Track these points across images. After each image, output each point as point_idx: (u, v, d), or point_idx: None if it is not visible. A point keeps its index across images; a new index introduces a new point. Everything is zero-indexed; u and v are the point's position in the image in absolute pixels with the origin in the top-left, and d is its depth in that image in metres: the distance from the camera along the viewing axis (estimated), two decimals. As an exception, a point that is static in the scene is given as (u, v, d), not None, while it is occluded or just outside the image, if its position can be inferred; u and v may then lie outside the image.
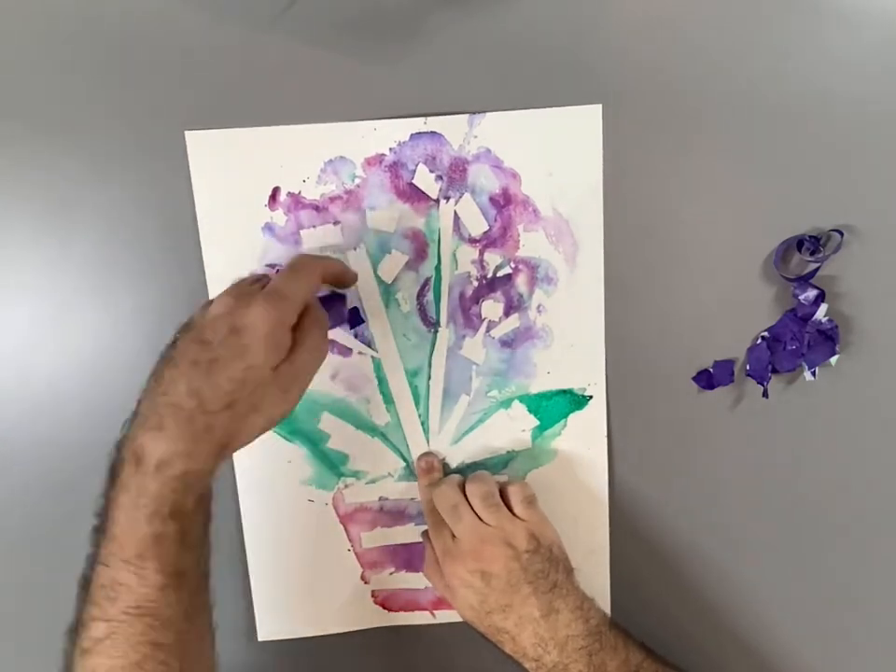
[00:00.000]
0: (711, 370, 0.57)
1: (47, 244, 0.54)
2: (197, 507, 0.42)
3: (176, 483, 0.41)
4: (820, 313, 0.55)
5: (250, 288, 0.45)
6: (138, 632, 0.41)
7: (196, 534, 0.43)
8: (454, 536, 0.53)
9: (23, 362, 0.56)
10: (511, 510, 0.54)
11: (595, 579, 0.58)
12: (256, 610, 0.59)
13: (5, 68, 0.52)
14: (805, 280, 0.55)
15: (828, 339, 0.55)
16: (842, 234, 0.54)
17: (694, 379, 0.57)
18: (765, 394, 0.56)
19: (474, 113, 0.53)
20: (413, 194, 0.54)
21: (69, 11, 0.52)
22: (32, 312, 0.55)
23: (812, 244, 0.54)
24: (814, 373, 0.56)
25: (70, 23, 0.52)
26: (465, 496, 0.54)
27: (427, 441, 0.58)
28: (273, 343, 0.43)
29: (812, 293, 0.55)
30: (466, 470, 0.58)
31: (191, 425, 0.41)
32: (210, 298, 0.51)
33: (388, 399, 0.57)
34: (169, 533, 0.41)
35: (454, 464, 0.58)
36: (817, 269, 0.55)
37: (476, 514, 0.53)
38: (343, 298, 0.54)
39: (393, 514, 0.59)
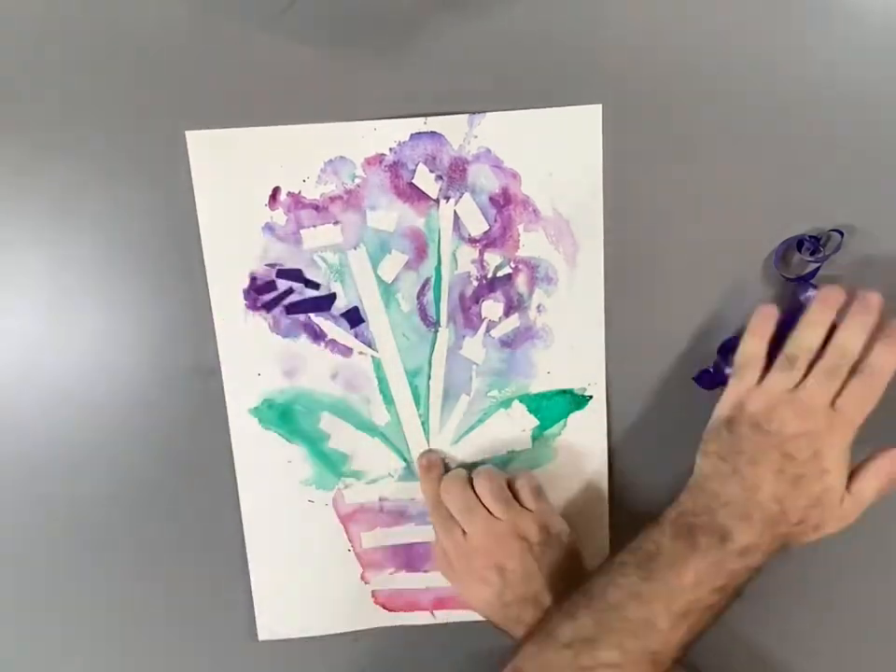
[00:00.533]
0: (711, 370, 0.56)
1: (47, 244, 0.54)
2: (741, 592, 0.46)
3: (749, 571, 0.45)
4: None
5: (825, 395, 0.47)
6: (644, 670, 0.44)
7: (723, 612, 0.46)
8: (464, 532, 0.53)
9: (23, 362, 0.56)
10: (519, 502, 0.54)
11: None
12: (256, 610, 0.59)
13: (5, 69, 0.52)
14: (805, 280, 0.55)
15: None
16: (842, 234, 0.54)
17: (695, 379, 0.57)
18: None
19: (474, 113, 0.53)
20: (413, 194, 0.54)
21: (69, 13, 0.52)
22: (32, 312, 0.55)
23: (812, 244, 0.54)
24: None
25: (70, 24, 0.52)
26: (473, 492, 0.54)
27: (428, 442, 0.58)
28: (845, 467, 0.47)
29: (812, 293, 0.55)
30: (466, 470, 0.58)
31: (772, 527, 0.46)
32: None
33: (388, 399, 0.57)
34: (718, 607, 0.45)
35: (454, 464, 0.58)
36: (817, 269, 0.55)
37: (486, 510, 0.53)
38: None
39: (393, 514, 0.59)
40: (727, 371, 0.55)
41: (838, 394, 0.47)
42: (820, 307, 0.49)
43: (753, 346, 0.50)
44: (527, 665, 0.46)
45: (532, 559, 0.52)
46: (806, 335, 0.48)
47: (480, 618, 0.60)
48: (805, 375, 0.47)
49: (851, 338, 0.47)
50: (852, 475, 0.47)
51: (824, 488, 0.46)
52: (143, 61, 0.52)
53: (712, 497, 0.47)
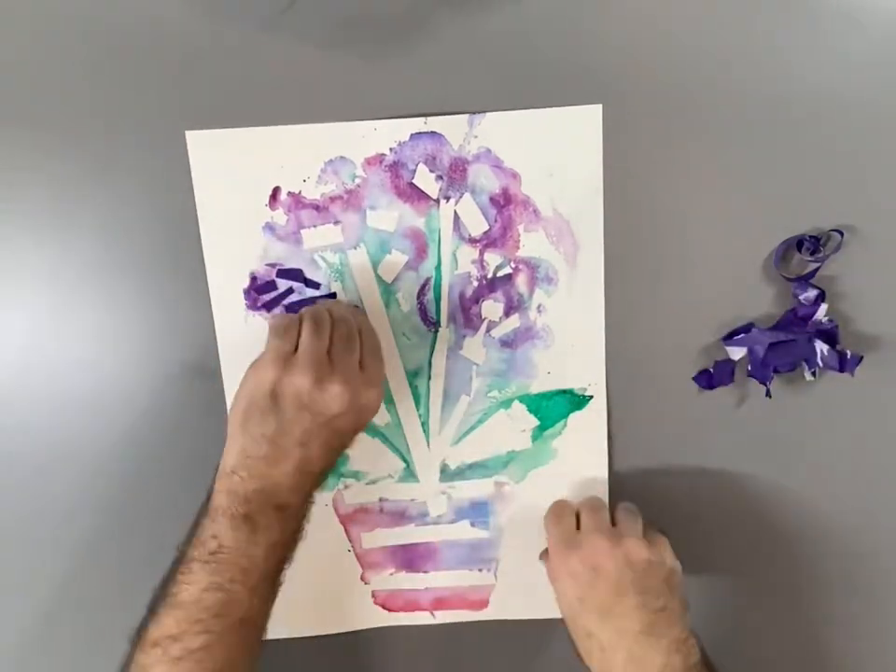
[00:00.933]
0: (711, 370, 0.56)
1: (47, 244, 0.54)
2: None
3: (303, 519, 0.51)
4: (820, 313, 0.55)
5: (345, 362, 0.48)
6: (237, 639, 0.47)
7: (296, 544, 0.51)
8: (578, 527, 0.53)
9: (23, 362, 0.56)
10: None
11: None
12: (256, 610, 0.59)
13: (5, 69, 0.52)
14: (805, 280, 0.55)
15: (828, 339, 0.55)
16: (842, 234, 0.54)
17: (695, 379, 0.57)
18: (768, 394, 0.56)
19: (474, 113, 0.53)
20: (414, 194, 0.54)
21: (70, 12, 0.52)
22: (32, 311, 0.55)
23: (812, 244, 0.54)
24: (814, 373, 0.56)
25: (71, 24, 0.52)
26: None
27: (428, 442, 0.58)
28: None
29: (812, 293, 0.55)
30: (466, 471, 0.58)
31: (320, 479, 0.50)
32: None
33: (388, 400, 0.57)
34: (291, 556, 0.51)
35: (454, 464, 0.58)
36: (817, 269, 0.55)
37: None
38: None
39: (393, 515, 0.59)
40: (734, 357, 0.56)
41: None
42: None
43: (290, 317, 0.50)
44: (128, 668, 0.48)
45: (631, 574, 0.50)
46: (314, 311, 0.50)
47: (478, 618, 0.60)
48: None
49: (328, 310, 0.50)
50: None
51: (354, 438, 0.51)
52: (143, 60, 0.52)
53: (263, 480, 0.47)
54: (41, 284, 0.55)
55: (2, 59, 0.52)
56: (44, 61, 0.52)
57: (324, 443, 0.48)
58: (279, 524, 0.48)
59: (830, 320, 0.55)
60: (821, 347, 0.55)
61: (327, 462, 0.50)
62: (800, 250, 0.55)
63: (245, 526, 0.47)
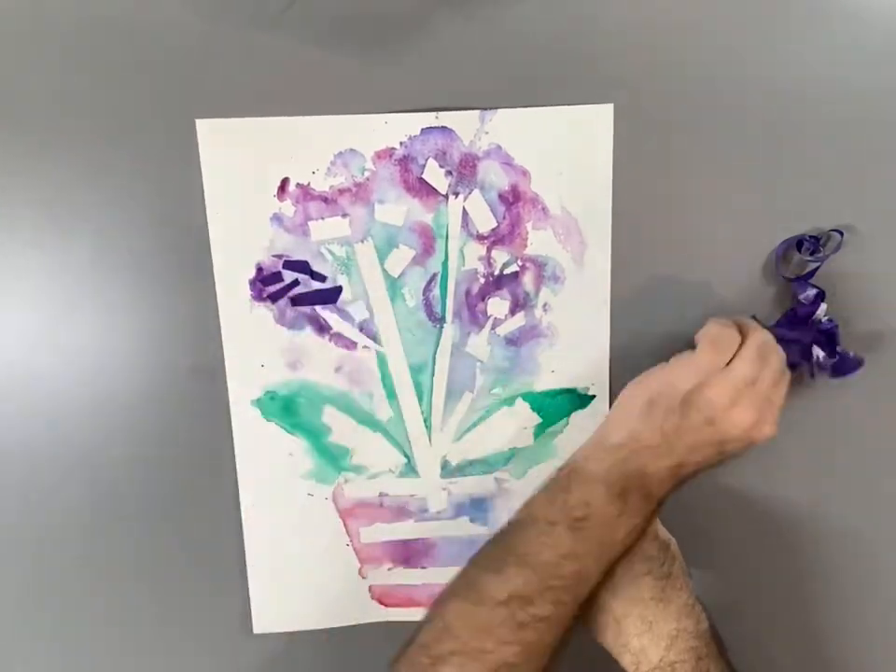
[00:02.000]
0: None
1: (53, 231, 0.54)
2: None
3: (654, 517, 0.51)
4: (820, 312, 0.55)
5: (767, 397, 0.48)
6: (569, 621, 0.47)
7: None
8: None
9: (27, 356, 0.55)
10: None
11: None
12: (252, 602, 0.59)
13: (8, 64, 0.52)
14: (804, 280, 0.55)
15: (828, 339, 0.55)
16: (842, 234, 0.55)
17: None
18: None
19: (486, 109, 0.53)
20: (423, 189, 0.54)
21: (83, 2, 0.51)
22: (35, 305, 0.55)
23: (812, 244, 0.55)
24: (812, 374, 0.56)
25: (82, 15, 0.51)
26: None
27: (430, 438, 0.58)
28: None
29: (812, 293, 0.55)
30: (467, 467, 0.58)
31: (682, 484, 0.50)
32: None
33: (391, 395, 0.57)
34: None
35: (455, 460, 0.58)
36: (816, 269, 0.55)
37: None
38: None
39: (393, 510, 0.59)
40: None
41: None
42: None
43: (731, 329, 0.49)
44: (457, 622, 0.46)
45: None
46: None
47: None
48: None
49: None
50: None
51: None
52: (155, 50, 0.52)
53: (642, 466, 0.48)
54: (44, 276, 0.54)
55: (4, 55, 0.52)
56: (53, 50, 0.52)
57: (707, 457, 0.48)
58: (643, 511, 0.48)
59: (829, 320, 0.55)
60: (818, 353, 0.55)
61: (698, 471, 0.49)
62: (800, 250, 0.55)
63: (619, 502, 0.47)
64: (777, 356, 0.49)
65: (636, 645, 0.50)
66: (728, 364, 0.48)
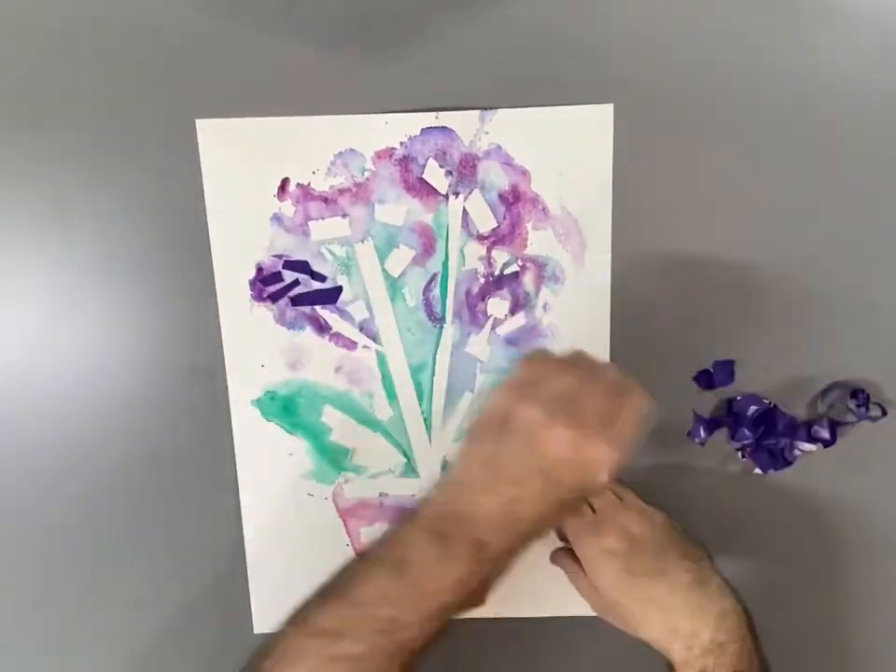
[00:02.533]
0: (711, 370, 0.57)
1: (51, 235, 0.54)
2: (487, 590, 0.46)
3: (496, 576, 0.45)
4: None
5: (591, 412, 0.43)
6: (389, 667, 0.42)
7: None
8: (594, 510, 0.53)
9: (28, 356, 0.55)
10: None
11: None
12: (252, 603, 0.59)
13: (11, 64, 0.52)
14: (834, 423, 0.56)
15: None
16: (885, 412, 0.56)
17: (695, 379, 0.57)
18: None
19: (486, 109, 0.53)
20: (423, 189, 0.54)
21: (84, 2, 0.51)
22: (35, 305, 0.55)
23: (863, 399, 0.56)
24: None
25: (82, 15, 0.51)
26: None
27: (430, 438, 0.58)
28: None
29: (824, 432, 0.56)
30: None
31: (526, 538, 0.45)
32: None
33: (391, 395, 0.57)
34: (463, 606, 0.44)
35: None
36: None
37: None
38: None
39: (393, 510, 0.59)
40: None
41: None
42: None
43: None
44: (279, 645, 0.43)
45: (661, 532, 0.52)
46: None
47: (472, 616, 0.60)
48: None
49: None
50: None
51: (572, 506, 0.48)
52: (155, 50, 0.52)
53: (469, 504, 0.43)
54: (44, 276, 0.54)
55: (7, 54, 0.52)
56: (55, 51, 0.52)
57: (540, 491, 0.43)
58: (471, 561, 0.43)
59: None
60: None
61: (538, 514, 0.43)
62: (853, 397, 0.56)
63: (439, 547, 0.43)
64: (611, 372, 0.44)
65: (687, 629, 0.49)
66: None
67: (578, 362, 0.45)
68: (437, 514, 0.44)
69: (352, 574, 0.44)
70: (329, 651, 0.42)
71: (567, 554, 0.55)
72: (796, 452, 0.57)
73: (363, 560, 0.45)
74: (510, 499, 0.43)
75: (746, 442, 0.56)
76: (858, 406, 0.56)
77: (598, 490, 0.48)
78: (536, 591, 0.59)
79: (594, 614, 0.56)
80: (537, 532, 0.45)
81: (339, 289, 0.55)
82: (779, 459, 0.56)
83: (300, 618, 0.44)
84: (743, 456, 0.57)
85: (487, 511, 0.43)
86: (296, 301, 0.55)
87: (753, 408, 0.56)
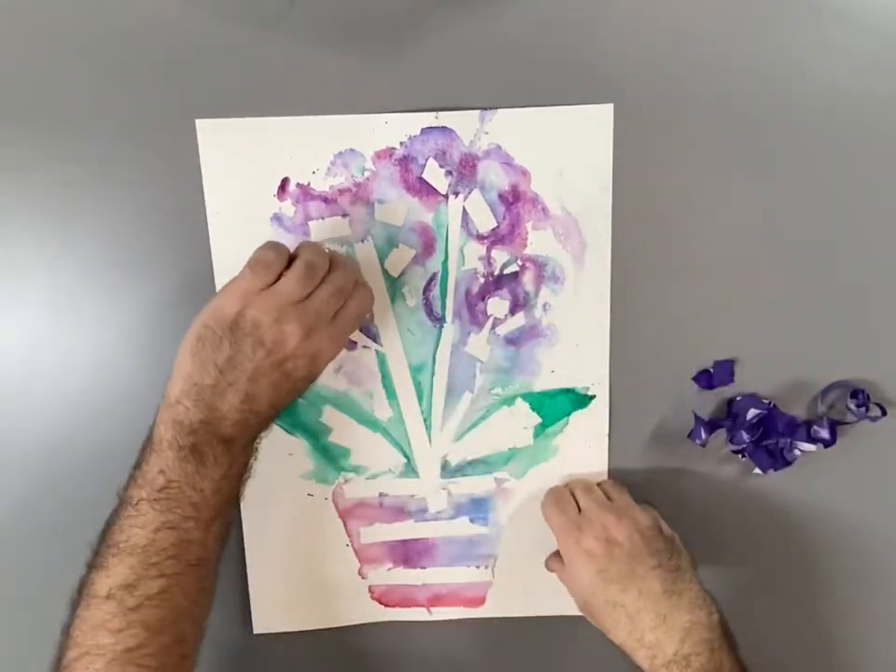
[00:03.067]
0: (711, 370, 0.57)
1: (51, 236, 0.54)
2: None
3: (249, 461, 0.50)
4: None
5: (329, 311, 0.48)
6: (193, 580, 0.46)
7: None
8: (580, 509, 0.54)
9: (26, 360, 0.56)
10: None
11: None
12: (252, 603, 0.59)
13: (10, 63, 0.52)
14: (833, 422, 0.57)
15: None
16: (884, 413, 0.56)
17: (695, 379, 0.57)
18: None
19: (486, 109, 0.53)
20: (423, 189, 0.54)
21: (85, 2, 0.51)
22: (34, 306, 0.55)
23: (862, 399, 0.56)
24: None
25: (83, 14, 0.51)
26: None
27: (429, 438, 0.58)
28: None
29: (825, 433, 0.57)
30: (467, 467, 0.58)
31: (266, 422, 0.50)
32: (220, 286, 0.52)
33: (391, 394, 0.57)
34: (236, 497, 0.49)
35: (455, 460, 0.58)
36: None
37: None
38: None
39: (392, 510, 0.59)
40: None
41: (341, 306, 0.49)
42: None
43: (272, 250, 0.48)
44: (76, 630, 0.45)
45: (641, 540, 0.52)
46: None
47: (474, 616, 0.60)
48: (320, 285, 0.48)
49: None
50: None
51: (304, 389, 0.50)
52: (155, 50, 0.52)
53: (209, 410, 0.46)
54: (44, 276, 0.54)
55: (7, 53, 0.52)
56: (54, 50, 0.52)
57: (273, 383, 0.47)
58: (226, 457, 0.47)
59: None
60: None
61: (273, 403, 0.48)
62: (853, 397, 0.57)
63: (193, 458, 0.46)
64: (338, 277, 0.48)
65: (650, 639, 0.50)
66: (273, 284, 0.47)
67: (301, 265, 0.47)
68: (183, 429, 0.46)
69: (119, 527, 0.46)
70: (128, 602, 0.45)
71: (556, 553, 0.56)
72: (796, 452, 0.57)
73: (122, 511, 0.47)
74: (247, 395, 0.47)
75: (745, 442, 0.56)
76: (858, 406, 0.56)
77: (317, 376, 0.50)
78: (533, 589, 0.59)
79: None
80: (270, 419, 0.49)
81: None
82: (779, 459, 0.56)
83: (84, 597, 0.46)
84: (743, 456, 0.57)
85: (229, 409, 0.46)
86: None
87: (753, 408, 0.56)
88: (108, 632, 0.44)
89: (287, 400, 0.49)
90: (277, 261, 0.47)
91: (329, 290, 0.47)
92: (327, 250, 0.50)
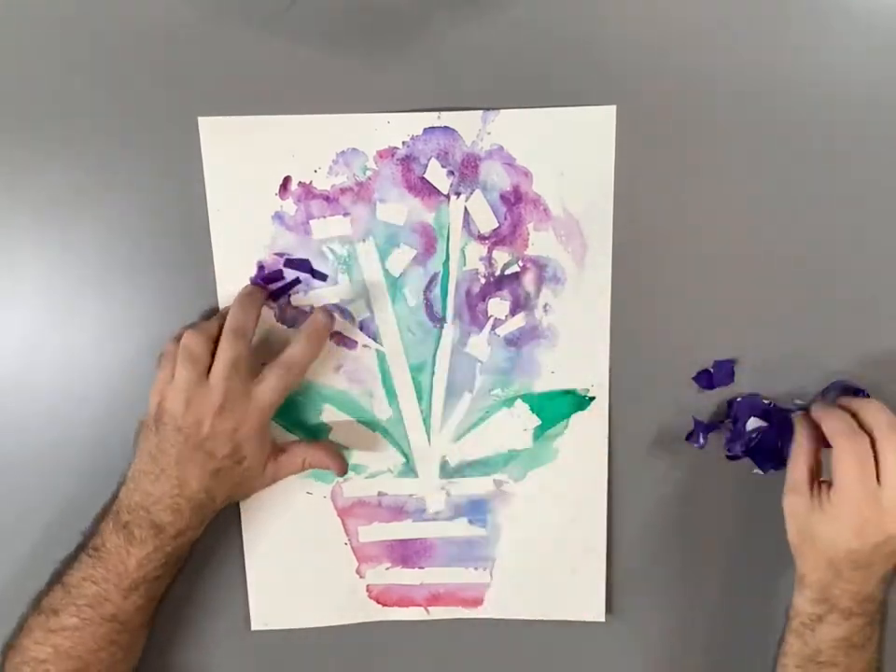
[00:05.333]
0: (711, 370, 0.57)
1: (51, 234, 0.54)
2: (190, 552, 0.54)
3: (187, 544, 0.53)
4: None
5: (238, 383, 0.50)
6: (104, 632, 0.52)
7: (180, 567, 0.54)
8: (879, 479, 0.48)
9: (26, 358, 0.56)
10: None
11: (592, 578, 0.59)
12: (251, 599, 0.59)
13: (14, 58, 0.52)
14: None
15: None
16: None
17: (694, 379, 0.57)
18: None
19: (488, 109, 0.53)
20: (424, 188, 0.54)
21: (86, 2, 0.51)
22: (34, 306, 0.55)
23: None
24: None
25: (84, 14, 0.51)
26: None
27: (429, 438, 0.58)
28: (264, 448, 0.53)
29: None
30: (466, 468, 0.58)
31: (202, 510, 0.52)
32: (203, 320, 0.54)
33: (391, 394, 0.57)
34: (167, 575, 0.53)
35: (454, 461, 0.58)
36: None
37: None
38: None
39: (391, 510, 0.59)
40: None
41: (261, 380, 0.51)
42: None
43: (174, 344, 0.52)
44: (21, 627, 0.53)
45: None
46: (201, 324, 0.52)
47: (473, 616, 0.60)
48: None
49: (243, 315, 0.51)
50: (285, 446, 0.55)
51: (243, 472, 0.52)
52: (157, 49, 0.52)
53: (145, 495, 0.51)
54: (44, 276, 0.55)
55: (7, 52, 0.52)
56: (55, 47, 0.52)
57: (199, 465, 0.50)
58: (153, 540, 0.51)
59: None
60: None
61: (207, 489, 0.51)
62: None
63: (124, 534, 0.51)
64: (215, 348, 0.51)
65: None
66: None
67: (180, 350, 0.51)
68: (124, 506, 0.51)
69: (70, 561, 0.52)
70: (50, 624, 0.51)
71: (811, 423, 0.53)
72: None
73: (80, 549, 0.53)
74: (178, 480, 0.50)
75: (745, 442, 0.56)
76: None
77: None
78: (531, 591, 0.59)
79: (590, 620, 0.57)
80: (212, 503, 0.52)
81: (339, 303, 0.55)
82: (779, 459, 0.56)
83: (35, 603, 0.53)
84: (743, 456, 0.57)
85: (159, 496, 0.51)
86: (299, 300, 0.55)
87: (753, 408, 0.56)
88: (30, 639, 0.52)
89: (227, 485, 0.52)
90: (168, 353, 0.52)
91: (220, 366, 0.50)
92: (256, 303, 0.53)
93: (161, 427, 0.50)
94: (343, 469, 0.55)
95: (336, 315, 0.55)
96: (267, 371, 0.51)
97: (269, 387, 0.51)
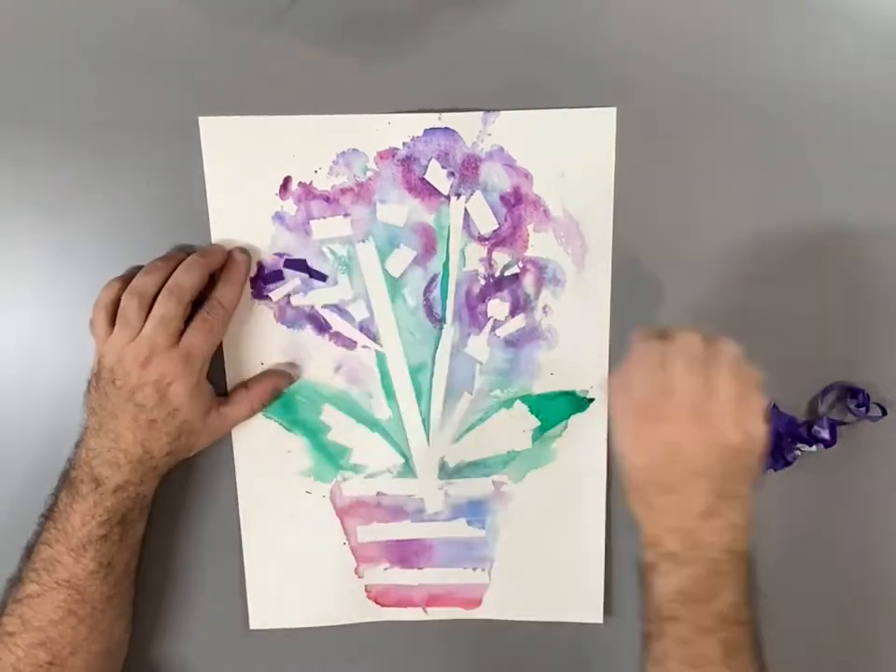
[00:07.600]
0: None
1: (52, 233, 0.54)
2: (140, 515, 0.54)
3: (129, 501, 0.52)
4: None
5: (163, 337, 0.50)
6: (61, 599, 0.51)
7: (134, 535, 0.54)
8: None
9: (25, 361, 0.56)
10: None
11: (590, 580, 0.59)
12: (249, 598, 0.59)
13: (15, 57, 0.52)
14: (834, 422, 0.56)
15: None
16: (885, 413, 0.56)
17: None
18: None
19: (489, 111, 0.53)
20: (425, 189, 0.54)
21: (86, 1, 0.51)
22: (34, 305, 0.55)
23: (863, 399, 0.56)
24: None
25: (85, 13, 0.52)
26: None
27: (428, 438, 0.58)
28: (198, 399, 0.52)
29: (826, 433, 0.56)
30: (465, 469, 0.58)
31: (141, 465, 0.52)
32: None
33: (390, 395, 0.57)
34: (113, 535, 0.52)
35: (453, 462, 0.58)
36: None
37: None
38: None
39: (390, 510, 0.59)
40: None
41: (182, 333, 0.51)
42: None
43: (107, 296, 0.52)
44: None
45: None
46: (139, 283, 0.51)
47: (471, 616, 0.60)
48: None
49: (184, 277, 0.51)
50: (229, 395, 0.55)
51: (180, 425, 0.52)
52: (158, 49, 0.52)
53: (88, 450, 0.52)
54: (45, 276, 0.55)
55: (8, 52, 0.52)
56: (56, 47, 0.52)
57: (132, 418, 0.51)
58: (93, 495, 0.51)
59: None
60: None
61: (142, 441, 0.51)
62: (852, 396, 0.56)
63: (70, 489, 0.52)
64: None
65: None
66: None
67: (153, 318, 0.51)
68: (73, 464, 0.52)
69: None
70: (16, 593, 0.52)
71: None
72: (796, 452, 0.56)
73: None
74: (115, 434, 0.51)
75: None
76: (858, 406, 0.56)
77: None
78: (530, 593, 0.59)
79: (589, 621, 0.57)
80: (150, 457, 0.52)
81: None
82: (779, 459, 0.56)
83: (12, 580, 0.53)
84: None
85: (99, 450, 0.51)
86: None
87: None
88: (4, 613, 0.52)
89: (163, 438, 0.52)
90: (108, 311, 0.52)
91: (153, 323, 0.50)
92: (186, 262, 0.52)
93: (100, 383, 0.51)
94: (289, 379, 0.56)
95: (336, 315, 0.55)
96: (192, 321, 0.51)
97: (192, 334, 0.51)
